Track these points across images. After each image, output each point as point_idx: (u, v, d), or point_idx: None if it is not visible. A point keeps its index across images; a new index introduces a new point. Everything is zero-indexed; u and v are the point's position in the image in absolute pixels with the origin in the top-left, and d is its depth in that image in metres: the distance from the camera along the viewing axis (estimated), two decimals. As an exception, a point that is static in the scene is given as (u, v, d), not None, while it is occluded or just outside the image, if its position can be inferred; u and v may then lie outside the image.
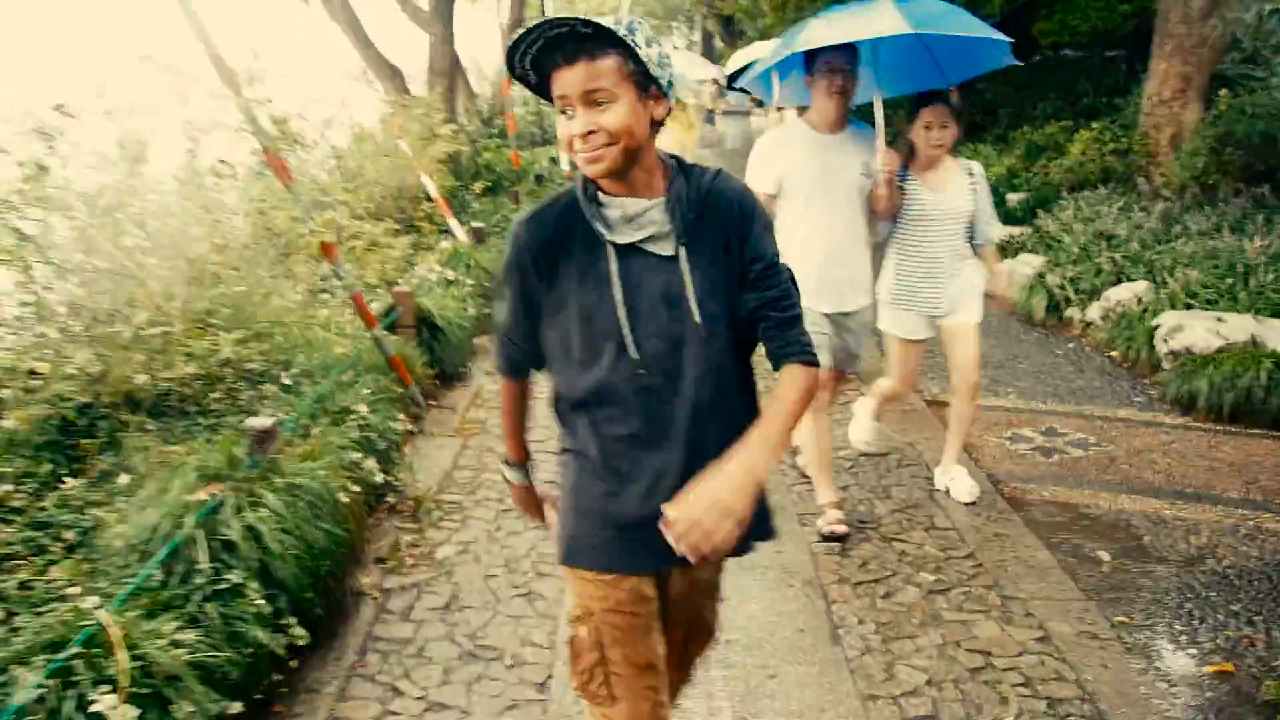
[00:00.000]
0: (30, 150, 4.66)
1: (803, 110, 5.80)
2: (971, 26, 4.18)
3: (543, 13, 16.29)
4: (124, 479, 3.98)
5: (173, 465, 3.82)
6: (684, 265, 1.95)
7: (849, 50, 4.11)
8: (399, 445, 5.21)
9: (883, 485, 5.09)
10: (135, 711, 2.64)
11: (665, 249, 1.95)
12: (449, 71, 13.66)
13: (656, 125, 1.91)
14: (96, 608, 2.86)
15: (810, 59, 4.20)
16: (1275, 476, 5.18)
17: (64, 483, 3.90)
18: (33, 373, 4.41)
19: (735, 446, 1.87)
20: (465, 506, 4.85)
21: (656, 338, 1.96)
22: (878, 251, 4.58)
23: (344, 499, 4.08)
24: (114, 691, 2.64)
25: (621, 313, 1.94)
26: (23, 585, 3.16)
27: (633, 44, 1.78)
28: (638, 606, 2.11)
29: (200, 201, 5.08)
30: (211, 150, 5.66)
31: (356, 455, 4.51)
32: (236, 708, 2.97)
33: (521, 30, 1.78)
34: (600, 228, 1.94)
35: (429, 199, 10.20)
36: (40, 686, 2.61)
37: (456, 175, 11.86)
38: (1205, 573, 4.22)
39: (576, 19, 1.74)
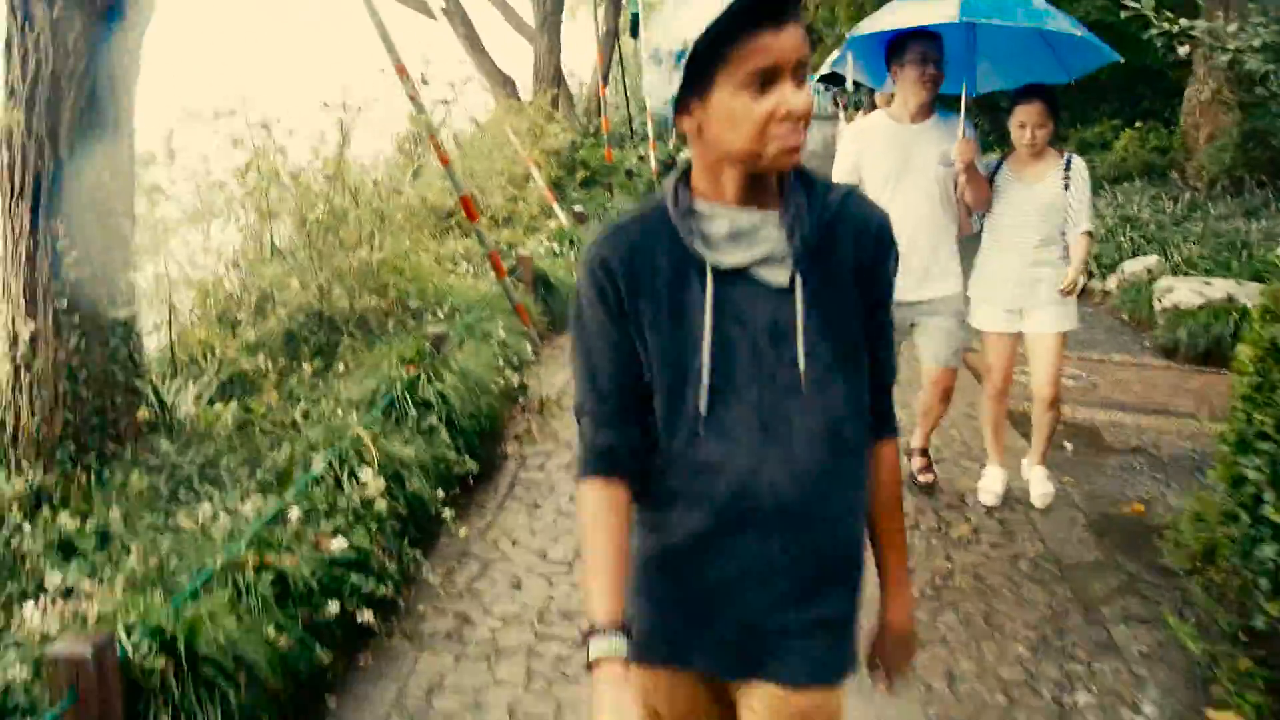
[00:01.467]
0: (258, 137, 6.29)
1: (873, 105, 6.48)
2: (1042, 16, 4.15)
3: (633, 27, 17.81)
4: (340, 368, 5.58)
5: (377, 356, 5.39)
6: (798, 298, 1.54)
7: (937, 39, 4.16)
8: (527, 364, 6.74)
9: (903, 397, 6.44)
10: (383, 483, 4.15)
11: (778, 277, 1.54)
12: (554, 78, 15.30)
13: None
14: (351, 426, 4.40)
15: (897, 50, 4.22)
16: (1225, 399, 6.41)
17: (302, 368, 5.47)
18: (258, 302, 6.03)
19: (883, 564, 1.76)
20: (578, 408, 6.34)
21: (757, 387, 1.55)
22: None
23: (494, 388, 5.61)
24: (370, 469, 4.17)
25: (706, 353, 1.54)
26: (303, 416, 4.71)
27: None
28: (712, 709, 1.74)
29: (384, 177, 6.68)
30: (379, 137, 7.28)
31: (500, 363, 6.04)
32: (441, 494, 4.49)
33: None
34: (699, 246, 1.54)
35: (534, 186, 11.78)
36: (327, 464, 4.15)
37: (560, 167, 13.41)
38: (1143, 457, 5.51)
39: None
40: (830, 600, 1.62)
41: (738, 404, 1.55)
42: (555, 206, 11.36)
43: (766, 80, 1.41)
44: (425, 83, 6.24)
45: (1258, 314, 3.54)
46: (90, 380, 3.89)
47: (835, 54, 15.53)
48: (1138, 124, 13.52)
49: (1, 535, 3.53)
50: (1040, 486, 4.80)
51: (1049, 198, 4.40)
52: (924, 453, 5.04)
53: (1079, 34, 4.20)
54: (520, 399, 6.32)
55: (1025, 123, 4.33)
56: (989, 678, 3.51)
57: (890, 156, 4.33)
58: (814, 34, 27.44)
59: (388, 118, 8.15)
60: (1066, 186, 4.39)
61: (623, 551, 1.57)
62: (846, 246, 1.58)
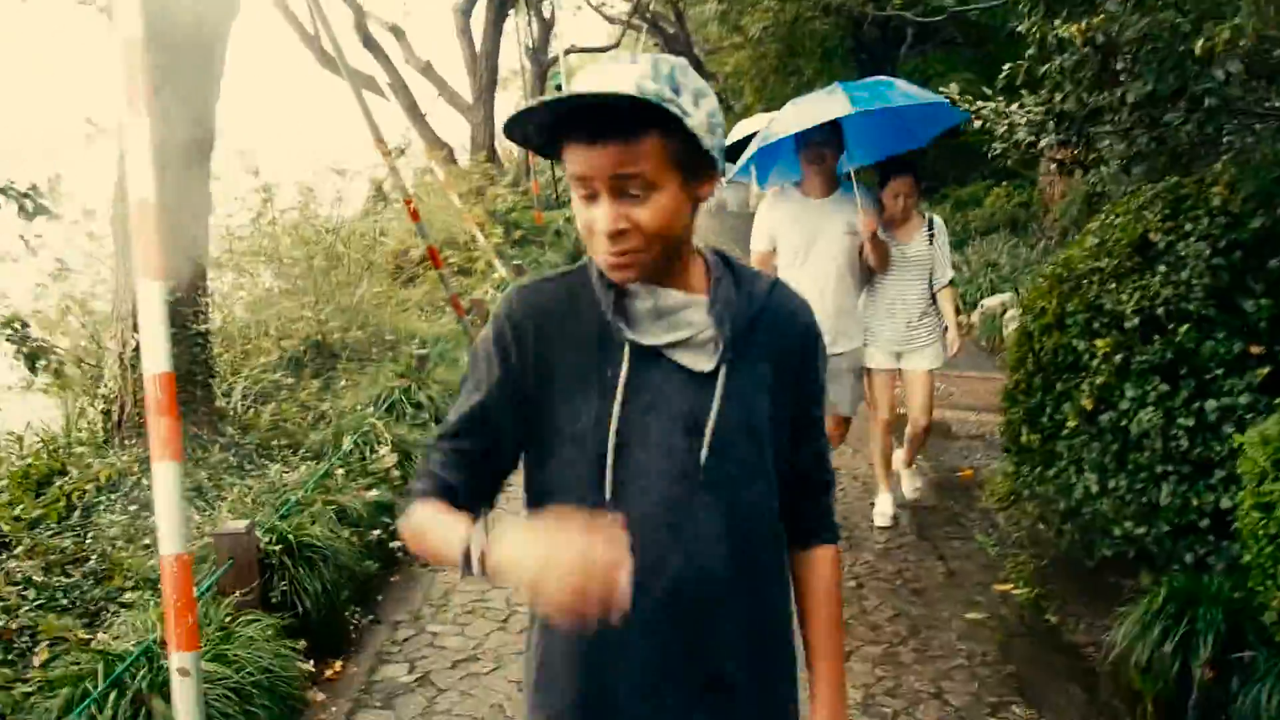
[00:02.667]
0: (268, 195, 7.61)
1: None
2: (909, 96, 4.93)
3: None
4: (340, 384, 6.89)
5: (373, 374, 6.72)
6: (719, 388, 1.48)
7: (829, 128, 4.68)
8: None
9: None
10: (395, 458, 5.47)
11: (701, 363, 1.48)
12: (488, 146, 16.81)
13: (697, 205, 1.47)
14: (368, 416, 5.73)
15: (800, 137, 4.77)
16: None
17: (310, 384, 6.75)
18: (265, 333, 7.32)
19: (792, 676, 1.60)
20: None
21: (665, 479, 1.46)
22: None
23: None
24: (385, 446, 5.49)
25: (611, 437, 1.46)
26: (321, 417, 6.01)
27: (680, 112, 1.32)
28: None
29: (366, 229, 8.05)
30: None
31: (468, 381, 7.39)
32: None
33: (528, 105, 1.37)
34: (619, 322, 1.47)
35: (473, 243, 13.18)
36: (355, 442, 5.46)
37: (497, 225, 14.84)
38: (980, 441, 7.06)
39: (606, 94, 1.32)
40: (724, 714, 1.52)
41: (641, 496, 1.46)
42: (497, 262, 12.77)
43: (585, 191, 1.39)
44: (402, 153, 7.64)
45: (1019, 310, 5.08)
46: (178, 378, 5.12)
47: (746, 126, 17.45)
48: (1004, 183, 15.43)
49: (121, 490, 4.76)
50: (910, 482, 5.79)
51: (920, 254, 5.13)
52: None
53: (931, 100, 4.97)
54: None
55: (899, 192, 5.06)
56: (846, 574, 4.94)
57: (800, 229, 4.88)
58: (723, 102, 29.56)
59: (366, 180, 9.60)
60: (931, 241, 5.15)
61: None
62: (773, 340, 1.54)
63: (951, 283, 5.33)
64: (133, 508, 4.53)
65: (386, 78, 15.68)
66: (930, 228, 5.18)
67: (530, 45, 21.39)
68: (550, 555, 1.20)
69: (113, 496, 4.68)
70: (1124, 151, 6.18)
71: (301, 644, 3.70)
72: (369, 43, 15.44)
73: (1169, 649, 3.49)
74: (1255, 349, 3.76)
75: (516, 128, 1.41)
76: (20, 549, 3.87)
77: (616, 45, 28.07)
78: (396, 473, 5.38)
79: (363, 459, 5.38)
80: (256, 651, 3.33)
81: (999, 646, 4.22)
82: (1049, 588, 4.66)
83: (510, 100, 24.13)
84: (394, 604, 4.68)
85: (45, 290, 6.08)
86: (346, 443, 5.43)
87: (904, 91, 5.02)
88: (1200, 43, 3.54)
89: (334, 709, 3.76)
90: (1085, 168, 6.60)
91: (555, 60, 22.39)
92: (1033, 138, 5.67)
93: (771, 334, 1.55)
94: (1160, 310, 4.00)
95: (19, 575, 3.66)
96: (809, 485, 1.64)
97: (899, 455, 5.82)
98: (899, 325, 5.16)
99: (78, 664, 3.14)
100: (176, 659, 2.69)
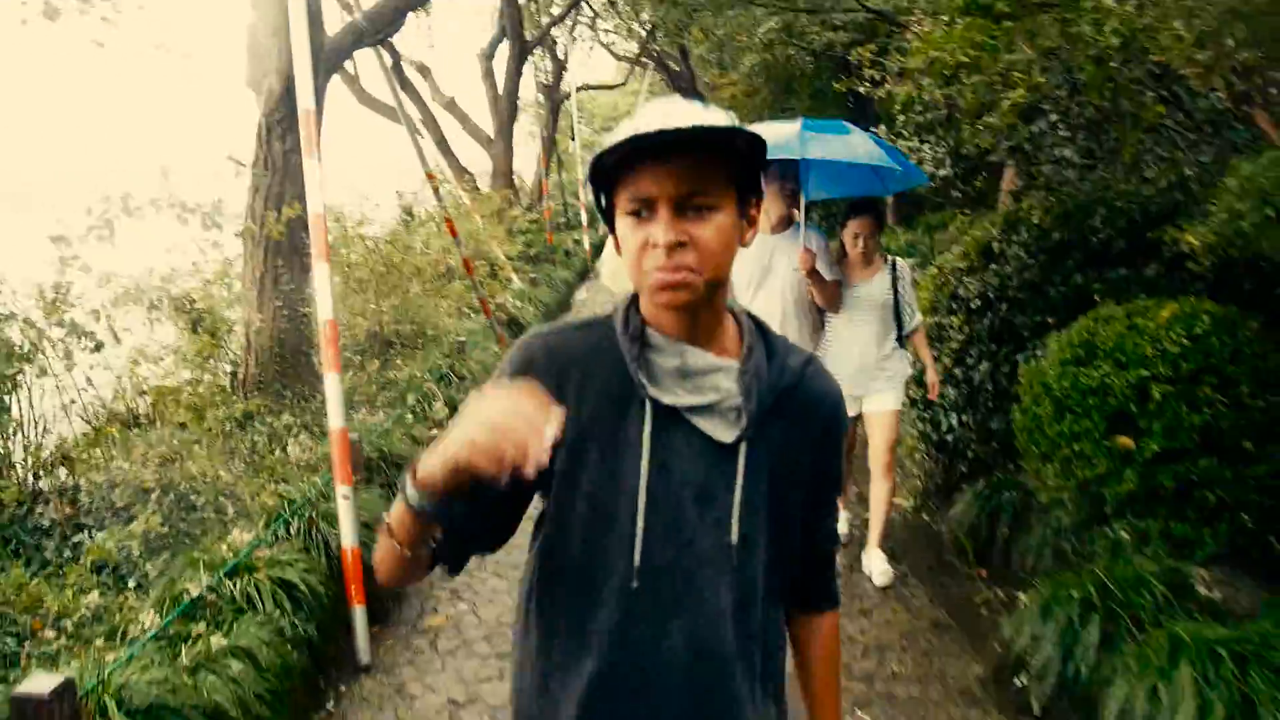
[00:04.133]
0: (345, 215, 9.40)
1: None
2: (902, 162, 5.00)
3: (571, 134, 21.37)
4: (398, 362, 8.66)
5: (423, 357, 8.49)
6: (741, 462, 1.44)
7: (793, 161, 4.62)
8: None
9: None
10: (447, 410, 7.21)
11: (722, 432, 1.44)
12: (507, 174, 18.69)
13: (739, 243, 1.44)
14: (425, 381, 7.48)
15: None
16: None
17: (372, 363, 8.51)
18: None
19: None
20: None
21: (673, 547, 1.44)
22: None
23: (497, 376, 8.76)
24: (439, 401, 7.24)
25: (642, 500, 1.43)
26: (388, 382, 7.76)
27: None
28: None
29: (415, 241, 9.86)
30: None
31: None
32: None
33: (613, 143, 1.34)
34: (642, 377, 1.44)
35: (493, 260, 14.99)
36: (415, 399, 7.21)
37: (513, 245, 16.70)
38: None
39: (693, 128, 1.32)
40: None
41: (652, 564, 1.43)
42: (514, 276, 14.57)
43: (645, 210, 1.36)
44: (445, 182, 9.41)
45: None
46: (289, 348, 6.89)
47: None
48: (967, 211, 17.18)
49: (252, 428, 6.50)
50: (880, 566, 5.18)
51: (880, 297, 4.99)
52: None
53: (898, 169, 4.88)
54: (509, 391, 9.43)
55: (859, 234, 4.94)
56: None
57: (753, 262, 4.85)
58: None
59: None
60: (894, 285, 5.03)
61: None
62: (800, 418, 1.50)
63: (921, 328, 5.25)
64: (262, 437, 6.28)
65: (418, 114, 17.58)
66: (893, 270, 5.05)
67: (545, 83, 23.36)
68: (476, 406, 1.20)
69: (244, 429, 6.43)
70: (1013, 187, 8.01)
71: (397, 513, 5.42)
72: (404, 83, 17.33)
73: (983, 518, 5.24)
74: (1051, 320, 5.49)
75: (600, 177, 1.40)
76: (204, 451, 5.61)
77: (624, 84, 30.05)
78: (450, 421, 7.12)
79: (424, 411, 7.13)
80: (371, 505, 5.07)
81: (883, 533, 5.94)
82: (928, 499, 6.39)
83: (523, 133, 26.23)
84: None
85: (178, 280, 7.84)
86: (410, 398, 7.19)
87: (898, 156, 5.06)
88: (1004, 105, 5.33)
89: (419, 558, 5.50)
90: (983, 202, 8.47)
91: (567, 96, 24.36)
92: (933, 169, 7.50)
93: (799, 412, 1.51)
94: (992, 295, 5.75)
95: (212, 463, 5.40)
96: (818, 558, 1.64)
97: (869, 538, 5.35)
98: (856, 368, 4.99)
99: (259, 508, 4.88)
100: (341, 489, 4.43)
